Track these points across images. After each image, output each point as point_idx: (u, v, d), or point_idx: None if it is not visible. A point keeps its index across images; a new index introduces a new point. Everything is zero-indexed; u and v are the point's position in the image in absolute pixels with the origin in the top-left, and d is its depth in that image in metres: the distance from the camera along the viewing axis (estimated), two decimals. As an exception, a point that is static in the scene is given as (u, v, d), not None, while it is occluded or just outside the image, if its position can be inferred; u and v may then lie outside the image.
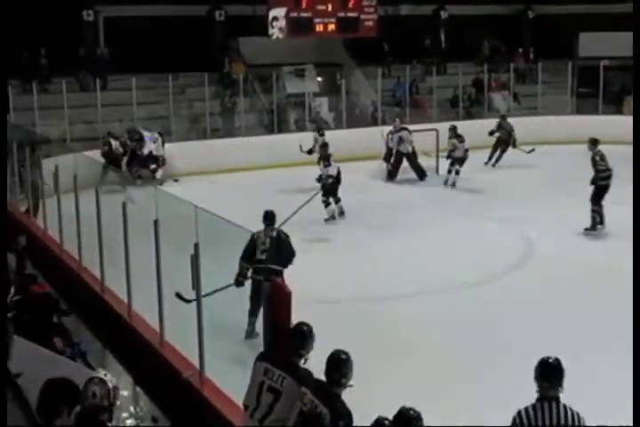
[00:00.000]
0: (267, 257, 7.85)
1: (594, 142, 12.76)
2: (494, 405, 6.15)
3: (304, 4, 19.26)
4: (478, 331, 8.41)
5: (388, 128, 17.24)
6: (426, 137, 16.75)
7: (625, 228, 11.36)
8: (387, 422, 4.04)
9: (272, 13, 19.18)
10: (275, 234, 8.08)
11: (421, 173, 16.67)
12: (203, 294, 6.08)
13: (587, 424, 4.28)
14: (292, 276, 5.75)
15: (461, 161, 15.93)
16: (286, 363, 4.76)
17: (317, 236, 12.35)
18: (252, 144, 18.00)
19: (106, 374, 4.39)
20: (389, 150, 16.85)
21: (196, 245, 6.04)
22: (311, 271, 10.53)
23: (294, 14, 19.23)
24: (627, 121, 20.80)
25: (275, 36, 19.34)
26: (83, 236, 8.90)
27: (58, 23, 18.13)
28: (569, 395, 4.36)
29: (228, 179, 16.54)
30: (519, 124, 17.71)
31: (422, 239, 12.11)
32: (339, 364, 4.46)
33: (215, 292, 7.45)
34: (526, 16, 24.68)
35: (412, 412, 4.04)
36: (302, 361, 4.78)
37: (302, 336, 4.78)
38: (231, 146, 17.80)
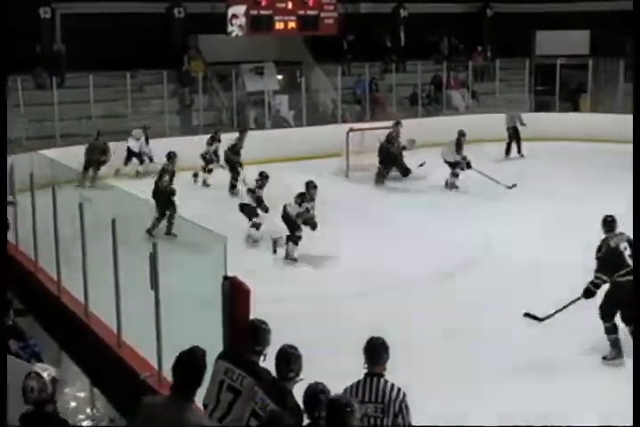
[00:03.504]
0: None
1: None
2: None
3: (264, 2, 19.19)
4: (441, 327, 8.44)
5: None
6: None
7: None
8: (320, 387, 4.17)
9: (231, 11, 19.08)
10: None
11: (405, 171, 16.67)
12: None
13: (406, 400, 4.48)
14: (252, 273, 5.72)
15: (454, 164, 15.64)
16: (246, 362, 4.74)
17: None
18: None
19: (44, 369, 4.41)
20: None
21: (155, 245, 6.00)
22: (273, 269, 10.56)
23: (254, 12, 19.15)
24: (582, 118, 21.15)
25: (234, 34, 19.25)
26: (39, 235, 8.79)
27: (14, 20, 17.85)
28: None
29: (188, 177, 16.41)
30: (478, 122, 17.81)
31: (386, 236, 12.14)
32: (287, 359, 4.48)
33: (564, 308, 7.76)
34: (484, 15, 24.85)
35: (320, 386, 4.17)
36: (262, 358, 4.78)
37: (255, 332, 4.77)
38: (189, 144, 17.65)
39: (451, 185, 15.67)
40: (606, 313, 7.68)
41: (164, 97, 18.47)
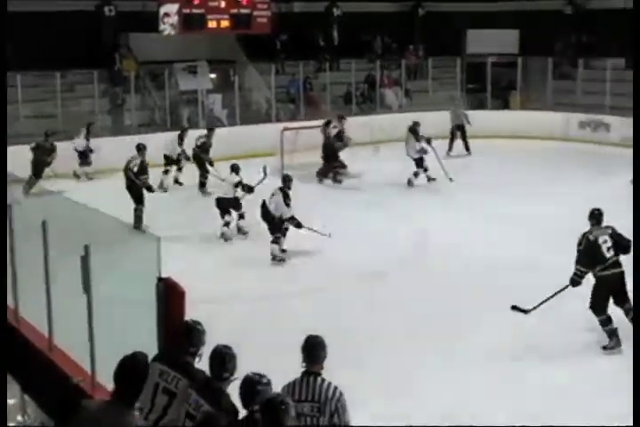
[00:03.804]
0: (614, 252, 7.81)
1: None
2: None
3: (196, 1, 19.00)
4: (376, 326, 8.51)
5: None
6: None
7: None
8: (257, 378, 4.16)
9: (163, 9, 18.86)
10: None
11: (343, 166, 16.71)
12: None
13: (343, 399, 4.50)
14: (184, 275, 5.66)
15: (419, 161, 15.71)
16: (181, 364, 4.69)
17: (212, 233, 12.23)
18: (145, 142, 17.63)
19: None
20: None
21: (87, 247, 5.89)
22: (205, 270, 10.47)
23: (186, 10, 18.94)
24: (513, 115, 21.53)
25: (166, 33, 19.03)
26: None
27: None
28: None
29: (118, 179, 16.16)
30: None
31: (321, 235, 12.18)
32: (222, 359, 4.45)
33: (549, 299, 7.89)
34: (416, 14, 25.07)
35: (257, 377, 4.17)
36: (197, 359, 4.74)
37: (189, 333, 4.73)
38: (121, 144, 17.41)
39: (409, 182, 15.77)
40: (598, 307, 7.82)
41: (95, 97, 18.20)
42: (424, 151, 15.60)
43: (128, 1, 20.15)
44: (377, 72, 22.19)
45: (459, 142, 19.20)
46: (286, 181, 11.46)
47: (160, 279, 5.58)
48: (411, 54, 23.93)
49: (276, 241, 11.11)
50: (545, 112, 21.47)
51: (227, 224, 12.08)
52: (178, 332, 4.92)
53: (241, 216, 12.27)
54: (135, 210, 12.15)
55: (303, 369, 4.60)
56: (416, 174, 15.66)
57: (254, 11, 19.83)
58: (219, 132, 16.63)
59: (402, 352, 7.78)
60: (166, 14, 18.84)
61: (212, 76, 20.78)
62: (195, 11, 19.04)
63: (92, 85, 18.16)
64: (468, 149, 19.28)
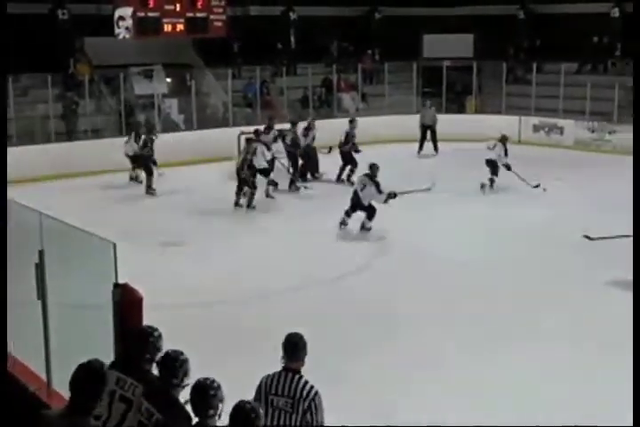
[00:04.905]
0: None
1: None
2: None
3: (151, 4, 18.87)
4: (335, 328, 8.52)
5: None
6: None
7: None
8: (208, 382, 4.09)
9: (118, 13, 18.71)
10: None
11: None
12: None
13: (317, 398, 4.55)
14: (141, 280, 5.62)
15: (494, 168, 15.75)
16: (138, 371, 4.64)
17: (170, 239, 12.17)
18: (100, 147, 17.52)
19: None
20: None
21: (41, 253, 5.82)
22: (163, 275, 10.39)
23: (141, 14, 18.80)
24: (468, 119, 21.73)
25: (121, 37, 18.88)
26: None
27: None
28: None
29: (75, 183, 16.02)
30: (367, 124, 18.01)
31: (275, 240, 12.17)
32: (172, 364, 4.40)
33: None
34: (373, 18, 25.18)
35: (208, 381, 4.10)
36: (154, 366, 4.69)
37: (146, 339, 4.69)
38: (76, 149, 17.26)
39: (483, 186, 15.75)
40: None
41: (49, 101, 17.97)
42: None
43: (82, 4, 19.93)
44: (334, 76, 22.26)
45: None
46: (373, 169, 12.39)
47: (116, 285, 5.53)
48: (367, 58, 24.04)
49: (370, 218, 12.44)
50: (500, 116, 21.71)
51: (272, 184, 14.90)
52: (134, 338, 4.87)
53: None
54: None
55: (282, 365, 4.65)
56: (491, 180, 15.64)
57: (210, 14, 19.75)
58: (175, 136, 16.57)
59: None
60: (121, 18, 18.70)
61: (168, 80, 20.67)
62: (150, 14, 18.90)
63: (46, 90, 17.91)
64: (436, 149, 19.83)
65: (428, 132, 20.10)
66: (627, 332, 5.63)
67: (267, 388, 4.64)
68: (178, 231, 12.59)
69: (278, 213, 14.22)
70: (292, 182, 16.05)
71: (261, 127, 16.31)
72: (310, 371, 4.68)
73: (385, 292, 9.81)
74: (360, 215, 12.56)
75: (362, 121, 17.42)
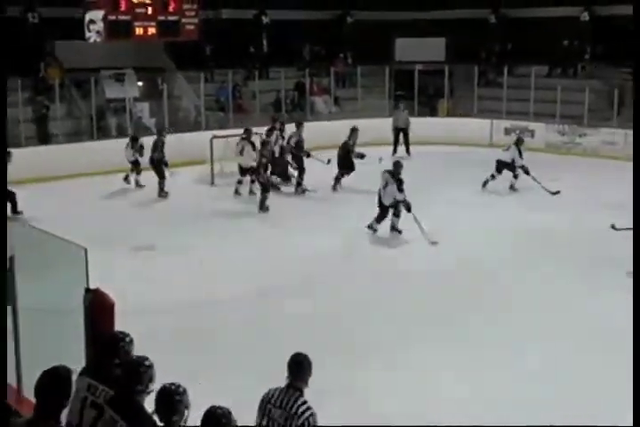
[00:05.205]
0: None
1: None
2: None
3: (123, 7, 18.77)
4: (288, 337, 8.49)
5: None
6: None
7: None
8: (173, 388, 4.09)
9: (89, 16, 18.56)
10: None
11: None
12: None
13: (312, 420, 4.58)
14: (113, 285, 5.59)
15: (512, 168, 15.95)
16: (109, 377, 4.60)
17: (142, 243, 12.10)
18: (71, 151, 17.40)
19: None
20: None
21: (11, 259, 5.77)
22: (135, 280, 10.32)
23: (112, 17, 18.68)
24: (441, 122, 21.85)
25: (92, 40, 18.72)
26: None
27: None
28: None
29: (46, 187, 15.87)
30: (339, 128, 17.97)
31: (251, 241, 12.16)
32: (136, 371, 4.36)
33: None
34: (345, 21, 25.22)
35: (174, 387, 4.11)
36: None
37: (117, 345, 4.65)
38: (47, 153, 17.11)
39: (511, 186, 16.03)
40: None
41: (19, 105, 17.80)
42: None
43: (53, 7, 19.77)
44: (306, 80, 22.28)
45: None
46: (397, 166, 12.42)
47: (88, 291, 5.49)
48: (339, 62, 24.09)
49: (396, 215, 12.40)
50: (471, 119, 21.86)
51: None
52: (106, 344, 4.83)
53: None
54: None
55: (287, 381, 4.69)
56: (515, 177, 15.87)
57: (182, 18, 19.69)
58: (147, 140, 16.48)
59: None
60: (92, 21, 18.55)
61: (140, 83, 20.55)
62: (121, 17, 18.79)
63: (17, 94, 17.75)
64: (408, 151, 20.00)
65: (401, 135, 20.21)
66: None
67: (268, 397, 4.71)
68: (150, 235, 12.52)
69: (256, 215, 14.16)
70: (298, 185, 15.98)
71: (260, 128, 16.65)
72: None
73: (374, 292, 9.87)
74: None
75: (334, 124, 17.45)
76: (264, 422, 4.68)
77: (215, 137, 17.10)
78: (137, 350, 4.70)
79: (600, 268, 10.64)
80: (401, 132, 20.21)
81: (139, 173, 16.30)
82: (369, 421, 5.13)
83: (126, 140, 16.80)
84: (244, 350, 8.04)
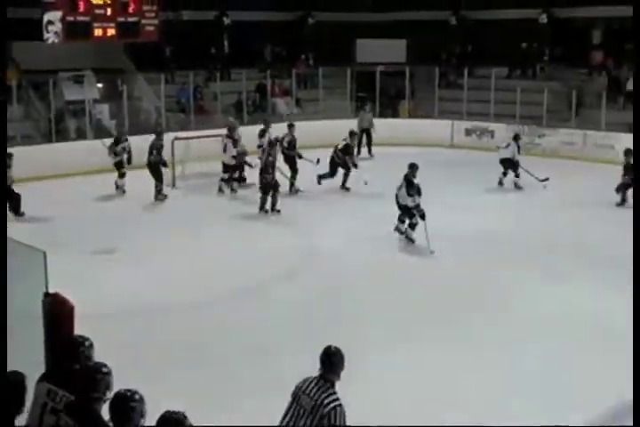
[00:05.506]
0: None
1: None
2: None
3: (81, 8, 18.54)
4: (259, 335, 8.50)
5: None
6: (212, 143, 16.63)
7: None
8: (129, 394, 4.05)
9: (47, 17, 18.30)
10: None
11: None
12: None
13: (339, 409, 4.69)
14: (72, 289, 5.52)
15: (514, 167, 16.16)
16: (69, 382, 4.53)
17: (102, 247, 11.96)
18: (28, 153, 17.14)
19: None
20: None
21: (-33, 263, 5.66)
22: (95, 284, 10.22)
23: (71, 18, 18.43)
24: (402, 123, 21.95)
25: (50, 41, 18.47)
26: None
27: None
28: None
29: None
30: (301, 129, 17.96)
31: (208, 247, 12.10)
32: (92, 378, 4.32)
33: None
34: (306, 23, 25.19)
35: (129, 393, 4.07)
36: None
37: (76, 349, 4.58)
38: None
39: (516, 185, 16.23)
40: None
41: (-24, 107, 17.53)
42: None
43: (10, 7, 19.46)
44: (268, 81, 22.24)
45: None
46: (413, 169, 12.01)
47: (47, 295, 5.42)
48: (301, 63, 24.08)
49: (401, 220, 12.18)
50: (433, 120, 21.99)
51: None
52: (65, 348, 4.76)
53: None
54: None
55: (319, 372, 4.83)
56: (517, 175, 16.09)
57: (142, 19, 19.50)
58: (107, 141, 16.32)
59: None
60: (50, 22, 18.31)
61: (99, 85, 20.33)
62: (80, 18, 18.54)
63: (-28, 95, 17.48)
64: (370, 152, 20.23)
65: (364, 136, 20.25)
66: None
67: (302, 385, 4.86)
68: (109, 239, 12.38)
69: (223, 216, 14.09)
70: (291, 185, 15.88)
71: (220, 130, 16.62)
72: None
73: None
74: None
75: (296, 126, 17.37)
76: (293, 407, 4.84)
77: (177, 139, 16.97)
78: (98, 357, 4.64)
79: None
80: (364, 133, 20.26)
81: (120, 176, 15.99)
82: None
83: (85, 142, 16.63)
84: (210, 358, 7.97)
